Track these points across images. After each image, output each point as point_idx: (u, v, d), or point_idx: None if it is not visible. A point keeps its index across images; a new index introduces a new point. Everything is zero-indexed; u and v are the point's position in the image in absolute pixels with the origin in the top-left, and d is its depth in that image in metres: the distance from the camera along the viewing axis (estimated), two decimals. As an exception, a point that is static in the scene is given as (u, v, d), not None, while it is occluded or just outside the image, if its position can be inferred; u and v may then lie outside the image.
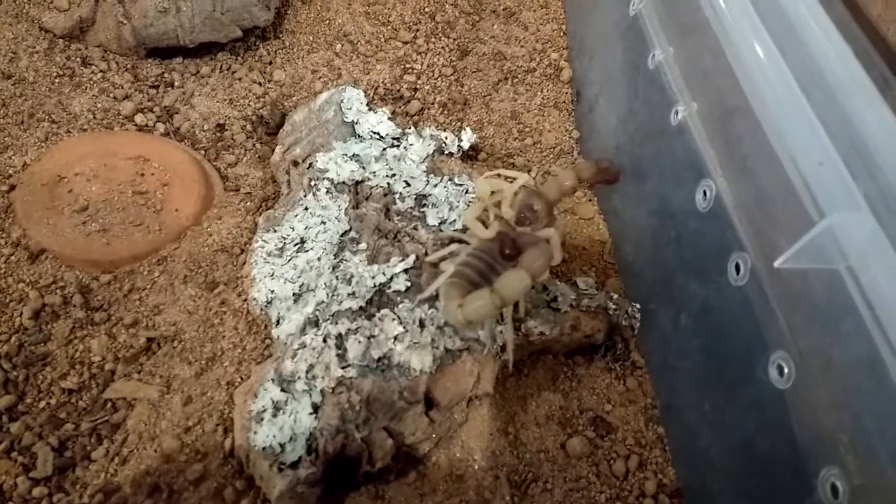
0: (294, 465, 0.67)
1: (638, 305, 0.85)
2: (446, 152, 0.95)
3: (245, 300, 0.83)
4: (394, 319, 0.71)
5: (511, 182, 0.83)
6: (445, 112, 1.12)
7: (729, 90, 0.74)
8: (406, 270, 0.76)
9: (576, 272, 0.93)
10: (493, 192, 0.80)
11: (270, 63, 1.17)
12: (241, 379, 0.78)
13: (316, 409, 0.67)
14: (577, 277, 0.87)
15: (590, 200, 1.02)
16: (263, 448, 0.68)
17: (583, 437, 0.78)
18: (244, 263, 0.87)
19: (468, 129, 1.01)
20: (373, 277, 0.76)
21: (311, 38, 1.19)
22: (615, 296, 0.85)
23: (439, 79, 1.15)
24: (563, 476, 0.76)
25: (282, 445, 0.68)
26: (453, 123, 1.11)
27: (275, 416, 0.69)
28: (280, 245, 0.84)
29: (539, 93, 1.15)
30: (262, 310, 0.80)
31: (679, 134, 0.79)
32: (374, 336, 0.70)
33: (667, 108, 0.82)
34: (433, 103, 1.13)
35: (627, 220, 0.94)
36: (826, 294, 0.59)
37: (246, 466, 0.72)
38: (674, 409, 0.80)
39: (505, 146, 1.09)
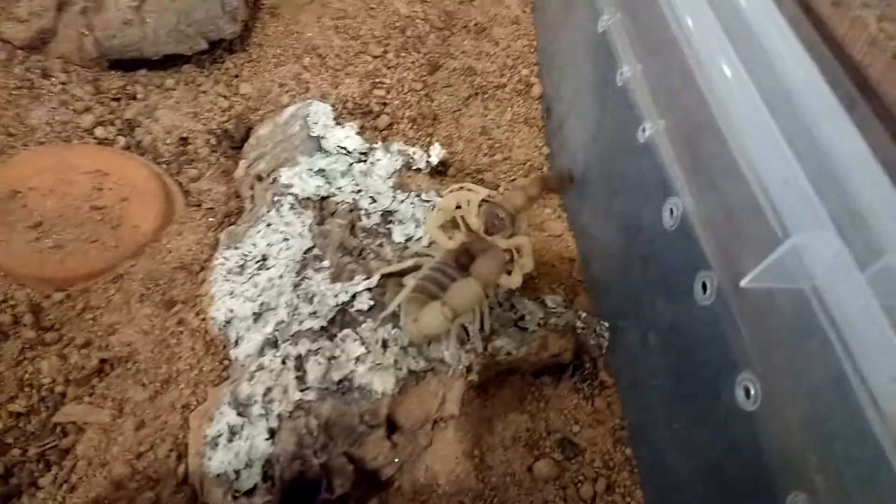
0: (249, 493, 0.64)
1: (607, 324, 0.84)
2: (414, 168, 0.94)
3: (203, 319, 0.81)
4: (355, 340, 0.69)
5: (475, 194, 0.82)
6: (415, 127, 1.11)
7: (696, 108, 0.74)
8: (370, 289, 0.74)
9: (544, 290, 0.91)
10: (458, 206, 0.79)
11: (237, 76, 1.15)
12: (198, 402, 0.75)
13: (272, 434, 0.65)
14: (545, 295, 0.86)
15: (559, 217, 1.01)
16: (218, 475, 0.66)
17: (550, 460, 0.76)
18: (204, 281, 0.84)
19: (437, 144, 1.00)
20: (335, 296, 0.74)
21: (279, 52, 1.17)
22: (583, 314, 0.83)
23: (409, 93, 1.14)
24: (530, 500, 0.74)
25: (237, 472, 0.65)
26: (423, 138, 1.10)
27: (230, 441, 0.67)
28: (241, 262, 0.82)
29: (509, 108, 1.15)
30: (220, 329, 0.77)
31: (646, 151, 0.78)
32: (334, 357, 0.68)
33: (634, 125, 0.81)
34: (403, 118, 1.11)
35: (597, 237, 0.93)
36: (792, 314, 0.58)
37: (200, 494, 0.69)
38: (642, 430, 0.79)
39: (475, 162, 1.08)
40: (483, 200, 0.87)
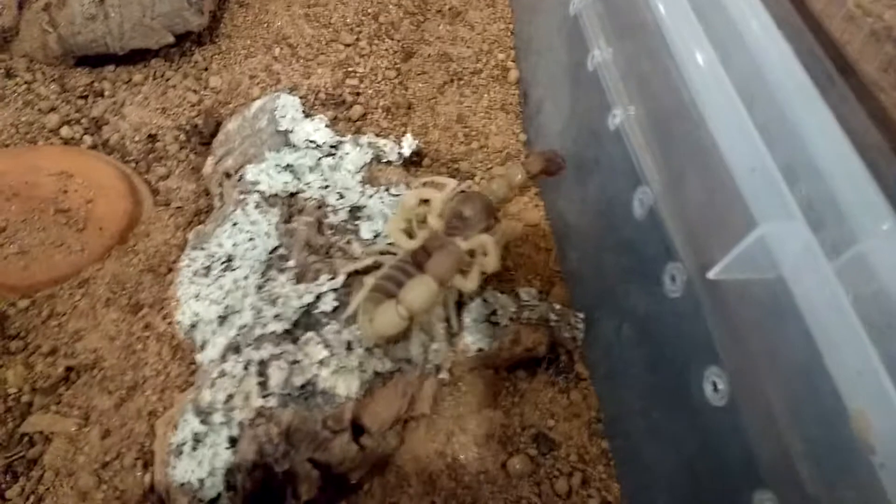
0: (213, 502, 0.63)
1: (582, 315, 0.82)
2: (384, 160, 0.92)
3: (170, 323, 0.79)
4: (319, 343, 0.68)
5: (441, 190, 0.80)
6: (389, 116, 1.08)
7: (665, 93, 0.71)
8: (335, 289, 0.73)
9: (520, 281, 0.90)
10: (422, 202, 0.77)
11: (206, 69, 1.12)
12: (164, 408, 0.74)
13: (234, 442, 0.63)
14: (519, 288, 0.84)
15: (536, 206, 0.99)
16: (182, 484, 0.65)
17: (524, 456, 0.75)
18: (171, 284, 0.83)
19: (409, 135, 0.97)
20: (300, 297, 0.72)
21: (248, 43, 1.15)
22: (558, 306, 0.82)
23: (382, 82, 1.11)
24: (504, 497, 0.73)
25: (201, 481, 0.64)
26: (397, 128, 1.07)
27: (194, 449, 0.66)
28: (207, 264, 0.80)
29: (486, 95, 1.12)
30: (186, 334, 0.76)
31: (616, 139, 0.76)
32: (297, 362, 0.67)
33: (605, 111, 0.79)
34: (376, 108, 1.09)
35: (573, 226, 0.91)
36: (759, 307, 0.56)
37: (166, 503, 0.68)
38: (618, 423, 0.77)
39: (450, 151, 1.06)
40: (463, 192, 0.85)
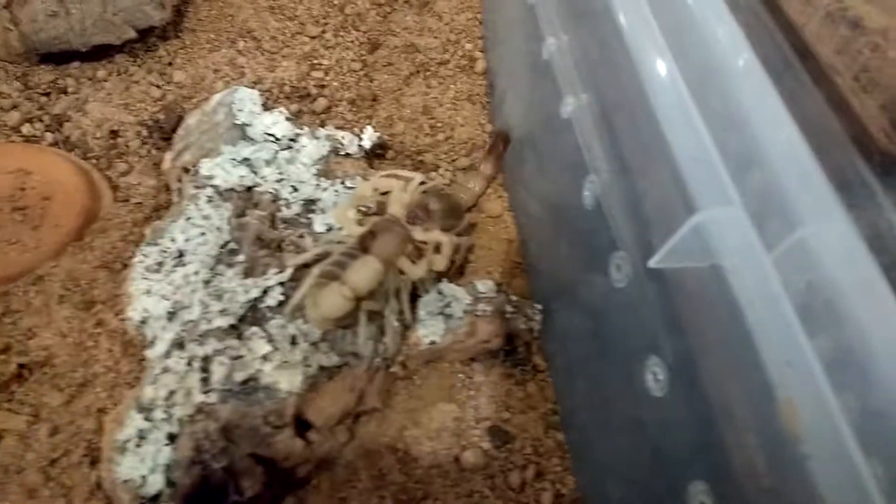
0: (154, 500, 0.63)
1: (539, 307, 0.81)
2: (342, 153, 0.91)
3: (122, 320, 0.79)
4: (262, 337, 0.67)
5: (405, 182, 0.80)
6: (354, 109, 1.07)
7: (614, 81, 0.70)
8: (282, 283, 0.72)
9: (480, 273, 0.89)
10: (375, 190, 0.76)
11: (170, 64, 1.11)
12: (114, 405, 0.74)
13: (173, 439, 0.63)
14: (477, 280, 0.83)
15: (500, 197, 0.98)
16: (125, 481, 0.64)
17: (478, 449, 0.74)
18: (125, 280, 0.82)
19: (369, 127, 0.96)
20: (246, 292, 0.71)
21: (212, 36, 1.14)
22: (515, 298, 0.81)
23: (348, 74, 1.10)
24: (456, 492, 0.72)
25: (143, 478, 0.64)
26: (362, 121, 1.06)
27: (139, 446, 0.65)
28: (160, 259, 0.79)
29: (452, 86, 1.11)
30: (137, 330, 0.75)
31: (568, 127, 0.75)
32: (240, 357, 0.66)
33: (558, 100, 0.78)
34: (341, 100, 1.08)
35: (533, 216, 0.90)
36: (696, 295, 0.55)
37: (113, 500, 0.67)
38: (574, 415, 0.77)
39: (415, 143, 1.05)
40: (434, 189, 0.84)
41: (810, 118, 0.73)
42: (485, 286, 0.82)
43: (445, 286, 0.79)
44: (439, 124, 1.07)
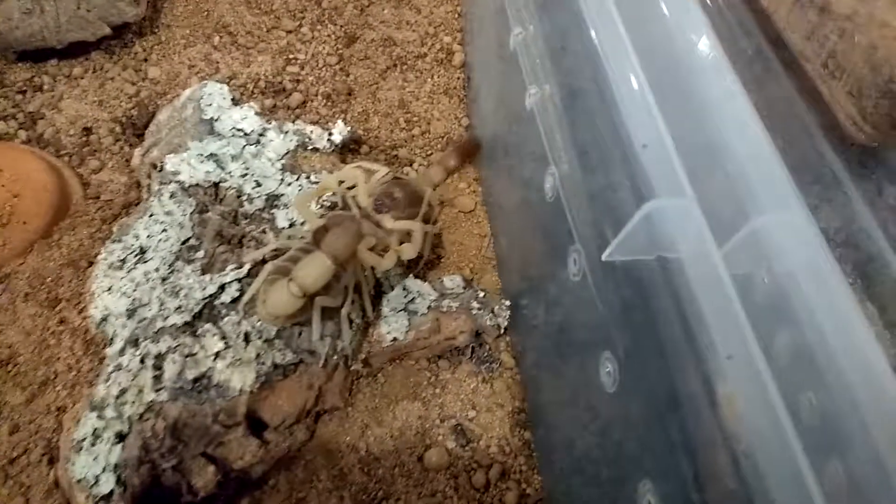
0: (106, 499, 0.62)
1: (507, 303, 0.80)
2: (310, 147, 0.90)
3: (85, 318, 0.78)
4: (215, 335, 0.66)
5: (369, 174, 0.79)
6: (329, 103, 1.06)
7: (575, 71, 0.69)
8: (239, 279, 0.71)
9: (450, 268, 0.88)
10: (340, 183, 0.75)
11: (146, 60, 1.11)
12: (73, 404, 0.73)
13: (123, 437, 0.62)
14: (445, 275, 0.82)
15: (473, 192, 0.97)
16: (79, 480, 0.63)
17: (441, 448, 0.73)
18: (89, 277, 0.81)
19: (340, 121, 0.95)
20: (203, 289, 0.70)
21: (188, 32, 1.13)
22: (482, 294, 0.79)
23: (324, 68, 1.09)
24: (418, 492, 0.71)
25: (96, 477, 0.63)
26: (336, 115, 1.05)
27: (93, 445, 0.64)
28: (123, 256, 0.79)
29: (430, 79, 1.09)
30: (98, 327, 0.74)
31: (531, 119, 0.73)
32: (193, 354, 0.65)
33: (523, 91, 0.76)
34: (316, 95, 1.07)
35: (504, 211, 0.89)
36: (645, 288, 0.54)
37: (69, 500, 0.67)
38: (541, 412, 0.75)
39: (391, 137, 1.03)
40: (396, 178, 0.83)
41: (778, 106, 0.71)
42: (452, 282, 0.81)
43: (411, 281, 0.78)
44: (415, 118, 1.05)
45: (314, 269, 0.61)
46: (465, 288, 0.80)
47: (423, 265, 0.88)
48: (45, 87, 1.08)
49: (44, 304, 0.81)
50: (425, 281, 0.80)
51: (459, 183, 0.98)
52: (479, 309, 0.78)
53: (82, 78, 1.09)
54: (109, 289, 0.76)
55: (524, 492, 0.72)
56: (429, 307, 0.76)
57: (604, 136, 0.62)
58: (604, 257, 0.56)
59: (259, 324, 0.67)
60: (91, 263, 0.85)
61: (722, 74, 0.63)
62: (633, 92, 0.60)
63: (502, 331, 0.79)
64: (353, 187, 0.80)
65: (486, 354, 0.79)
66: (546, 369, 0.73)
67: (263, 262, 0.72)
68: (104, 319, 0.74)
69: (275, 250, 0.70)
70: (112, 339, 0.72)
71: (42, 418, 0.73)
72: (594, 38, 0.65)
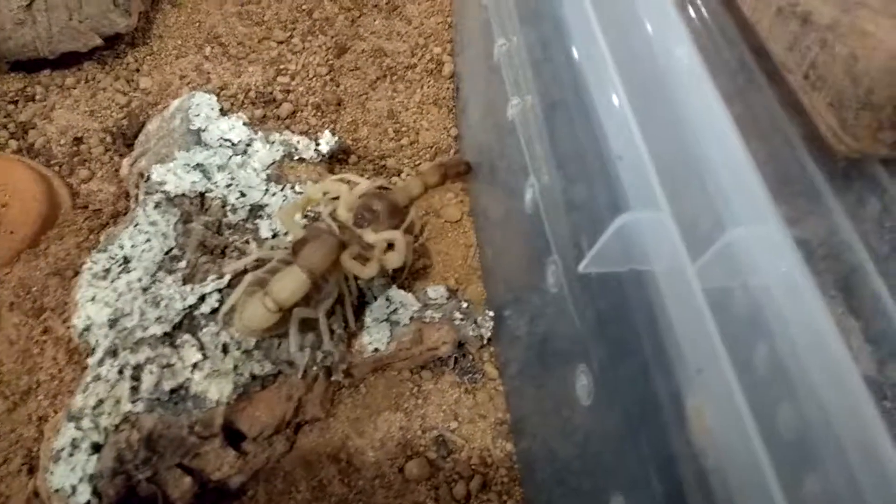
0: (82, 509, 0.62)
1: (491, 314, 0.80)
2: (297, 158, 0.90)
3: (68, 328, 0.78)
4: (193, 345, 0.66)
5: (352, 186, 0.79)
6: (318, 114, 1.06)
7: (555, 81, 0.69)
8: (220, 290, 0.71)
9: (435, 279, 0.87)
10: (325, 194, 0.75)
11: (137, 70, 1.11)
12: (55, 413, 0.73)
13: (98, 448, 0.62)
14: (429, 286, 0.82)
15: (461, 202, 0.97)
16: (57, 490, 0.63)
17: (422, 459, 0.73)
18: (74, 287, 0.81)
19: (327, 132, 0.95)
20: (184, 299, 0.70)
21: (179, 43, 1.13)
22: (465, 304, 0.79)
23: (314, 79, 1.10)
24: (399, 503, 0.71)
25: (73, 487, 0.63)
26: (326, 125, 1.05)
27: (71, 455, 0.64)
28: (107, 266, 0.79)
29: (419, 90, 1.10)
30: (80, 337, 0.74)
31: (512, 130, 0.73)
32: (171, 365, 0.65)
33: (505, 101, 0.76)
34: (306, 105, 1.07)
35: (489, 221, 0.89)
36: (618, 301, 0.53)
37: (47, 509, 0.67)
38: (523, 424, 0.75)
39: (379, 147, 1.04)
40: (380, 188, 0.83)
41: (761, 118, 0.71)
42: (435, 292, 0.81)
43: (394, 292, 0.78)
44: (404, 129, 1.06)
45: (289, 284, 0.61)
46: (448, 298, 0.80)
47: (408, 275, 0.88)
48: (38, 97, 1.08)
49: (28, 314, 0.81)
50: (409, 291, 0.79)
51: (447, 193, 0.98)
52: (461, 320, 0.77)
53: (74, 88, 1.09)
54: (93, 298, 0.76)
55: (505, 503, 0.71)
56: (411, 318, 0.76)
57: (582, 147, 0.62)
58: (580, 269, 0.56)
59: (238, 334, 0.67)
60: (77, 273, 0.85)
61: (701, 85, 0.63)
62: (610, 103, 0.60)
63: (486, 342, 0.79)
64: (336, 198, 0.80)
65: (469, 365, 0.79)
66: (528, 381, 0.73)
67: (245, 272, 0.72)
68: (87, 329, 0.74)
69: (257, 260, 0.70)
70: (94, 349, 0.72)
71: (23, 428, 0.73)
72: (574, 48, 0.65)
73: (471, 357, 0.79)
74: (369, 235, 0.74)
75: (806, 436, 0.45)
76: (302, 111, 1.07)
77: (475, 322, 0.78)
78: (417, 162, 1.02)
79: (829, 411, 0.46)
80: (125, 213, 0.93)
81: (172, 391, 0.64)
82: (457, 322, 0.77)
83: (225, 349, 0.66)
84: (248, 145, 0.90)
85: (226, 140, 0.90)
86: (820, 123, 0.67)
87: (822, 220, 0.67)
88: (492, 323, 0.79)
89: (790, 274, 0.51)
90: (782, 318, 0.50)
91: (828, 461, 0.45)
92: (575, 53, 0.65)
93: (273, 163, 0.87)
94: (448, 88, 1.10)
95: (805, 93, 0.68)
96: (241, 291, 0.64)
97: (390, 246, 0.74)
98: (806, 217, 0.68)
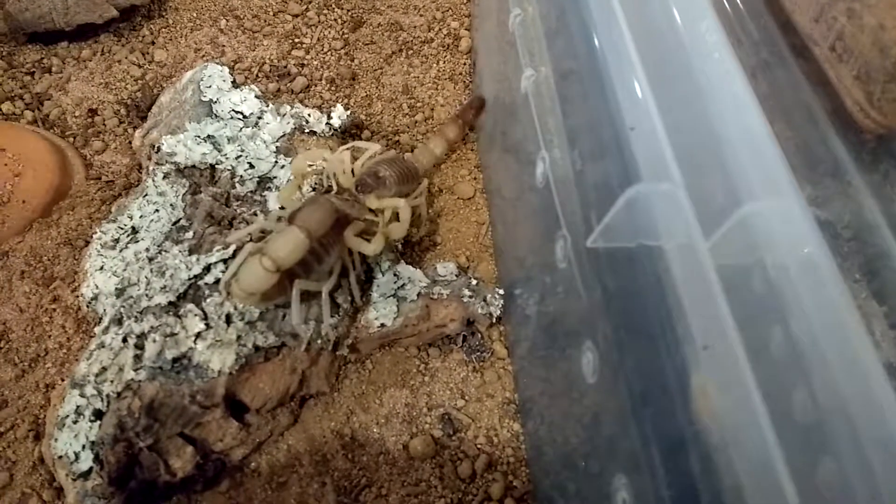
0: (85, 476, 0.62)
1: (501, 291, 0.78)
2: (307, 131, 0.89)
3: (78, 297, 0.78)
4: (196, 315, 0.65)
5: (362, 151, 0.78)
6: (332, 88, 1.05)
7: (569, 52, 0.67)
8: (225, 260, 0.70)
9: (446, 256, 0.86)
10: (310, 165, 0.74)
11: (153, 43, 1.11)
12: (62, 381, 0.73)
13: (100, 415, 0.62)
14: (440, 263, 0.80)
15: (474, 178, 0.95)
16: (60, 456, 0.63)
17: (427, 437, 0.72)
18: (84, 256, 0.81)
19: (339, 105, 0.94)
20: (189, 269, 0.70)
21: (195, 15, 1.13)
22: (474, 282, 0.78)
23: (329, 53, 1.08)
24: (402, 480, 0.70)
25: (76, 454, 0.63)
26: (340, 100, 1.04)
27: (75, 422, 0.64)
28: (116, 236, 0.79)
29: (435, 65, 1.08)
30: (88, 306, 0.74)
31: (526, 103, 0.71)
32: (174, 334, 0.65)
33: (519, 73, 0.74)
34: (320, 79, 1.06)
35: (501, 198, 0.87)
36: (627, 276, 0.51)
37: (53, 476, 0.67)
38: (530, 403, 0.73)
39: (393, 123, 1.02)
40: (391, 155, 0.82)
41: (785, 92, 0.68)
42: (445, 269, 0.79)
43: (402, 267, 0.77)
44: (419, 104, 1.04)
45: (286, 242, 0.59)
46: (458, 275, 0.79)
47: (419, 251, 0.87)
48: (54, 68, 1.08)
49: (39, 283, 0.81)
50: (418, 267, 0.78)
51: (460, 170, 0.96)
52: (470, 297, 0.76)
53: (90, 60, 1.09)
54: (101, 268, 0.76)
55: (510, 483, 0.70)
56: (419, 294, 0.74)
57: (595, 119, 0.59)
58: (588, 244, 0.55)
59: (238, 301, 0.67)
60: (87, 243, 0.85)
61: (722, 58, 0.60)
62: (625, 73, 0.58)
63: (495, 320, 0.78)
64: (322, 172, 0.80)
65: (477, 344, 0.78)
66: (537, 360, 0.71)
67: (250, 240, 0.71)
68: (94, 298, 0.74)
69: (261, 231, 0.69)
70: (101, 317, 0.72)
71: (31, 394, 0.73)
72: (590, 18, 0.63)
73: (479, 335, 0.78)
74: (372, 201, 0.73)
75: (820, 420, 0.43)
76: (316, 85, 1.05)
77: (485, 300, 0.77)
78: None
79: (845, 397, 0.44)
80: (137, 185, 0.93)
81: (175, 360, 0.63)
82: (465, 299, 0.76)
83: (228, 319, 0.66)
84: (259, 118, 0.89)
85: (237, 112, 0.89)
86: (846, 98, 0.64)
87: (846, 199, 0.64)
88: (502, 301, 0.77)
89: (811, 254, 0.49)
90: (800, 299, 0.47)
91: (842, 447, 0.43)
92: (590, 22, 0.63)
93: (283, 135, 0.86)
94: (465, 64, 1.08)
95: (831, 66, 0.65)
96: (242, 259, 0.64)
97: (398, 218, 0.73)
98: (830, 195, 0.65)
